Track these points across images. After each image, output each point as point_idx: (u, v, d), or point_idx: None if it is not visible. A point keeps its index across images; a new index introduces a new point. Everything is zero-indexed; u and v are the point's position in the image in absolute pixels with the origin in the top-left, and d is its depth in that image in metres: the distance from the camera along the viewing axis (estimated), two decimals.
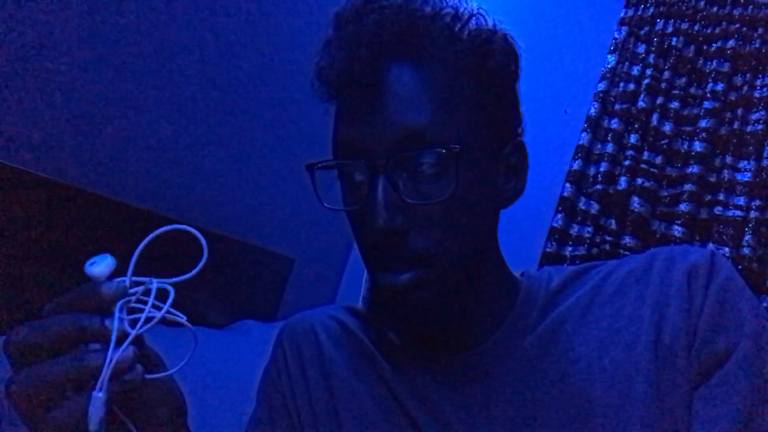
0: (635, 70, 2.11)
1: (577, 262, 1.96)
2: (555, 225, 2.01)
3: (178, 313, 0.37)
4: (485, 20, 0.49)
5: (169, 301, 0.36)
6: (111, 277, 0.36)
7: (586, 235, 1.99)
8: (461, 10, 0.48)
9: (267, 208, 1.71)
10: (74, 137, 0.98)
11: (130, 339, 0.35)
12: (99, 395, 0.33)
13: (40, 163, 0.92)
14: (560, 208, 2.03)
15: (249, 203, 1.61)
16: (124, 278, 0.36)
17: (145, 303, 0.36)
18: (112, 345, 0.34)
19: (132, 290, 0.36)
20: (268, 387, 0.62)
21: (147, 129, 1.16)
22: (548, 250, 2.00)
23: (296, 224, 1.88)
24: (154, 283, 0.37)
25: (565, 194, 2.03)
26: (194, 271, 0.37)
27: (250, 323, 1.56)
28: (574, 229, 2.02)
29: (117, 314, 0.35)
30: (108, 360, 0.34)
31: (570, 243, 2.01)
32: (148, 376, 0.37)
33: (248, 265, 1.61)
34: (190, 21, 1.20)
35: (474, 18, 0.48)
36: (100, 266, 0.36)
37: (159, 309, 0.36)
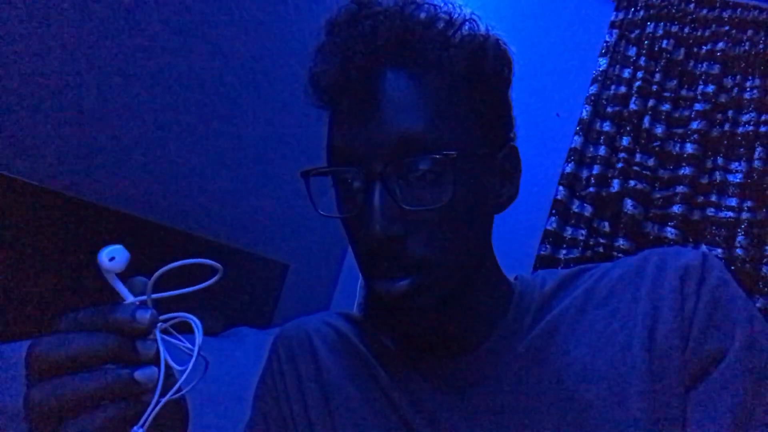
0: (626, 73, 2.12)
1: (572, 265, 1.96)
2: (549, 228, 2.02)
3: (204, 355, 0.37)
4: (478, 26, 0.49)
5: (199, 338, 0.35)
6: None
7: (580, 237, 2.00)
8: (455, 15, 0.48)
9: (261, 214, 1.70)
10: (64, 144, 0.98)
11: (176, 387, 0.34)
12: (140, 431, 0.32)
13: (28, 170, 0.91)
14: (554, 211, 2.03)
15: (243, 209, 1.61)
16: (144, 297, 0.35)
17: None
18: (159, 384, 0.33)
19: (163, 317, 0.35)
20: (263, 395, 0.61)
21: (139, 136, 1.16)
22: (542, 252, 2.01)
23: (291, 230, 1.87)
24: (198, 324, 0.36)
25: (559, 197, 2.04)
26: (203, 285, 0.36)
27: (245, 330, 1.55)
28: (568, 232, 2.03)
29: (163, 352, 0.34)
30: (155, 400, 0.33)
31: (564, 246, 2.02)
32: (166, 398, 0.35)
33: (243, 271, 1.61)
34: (183, 25, 1.20)
35: (467, 23, 0.48)
36: (119, 262, 0.34)
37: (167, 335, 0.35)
